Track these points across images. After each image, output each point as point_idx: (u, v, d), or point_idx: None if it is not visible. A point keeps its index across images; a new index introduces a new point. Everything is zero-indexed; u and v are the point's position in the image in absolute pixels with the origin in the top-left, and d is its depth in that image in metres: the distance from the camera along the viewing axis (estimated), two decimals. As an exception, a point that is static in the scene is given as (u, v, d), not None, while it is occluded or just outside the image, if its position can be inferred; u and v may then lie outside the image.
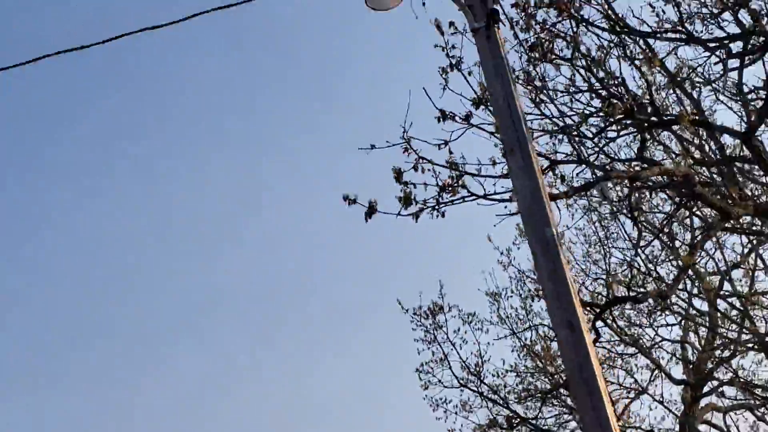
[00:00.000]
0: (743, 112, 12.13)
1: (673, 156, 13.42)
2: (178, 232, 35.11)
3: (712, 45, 10.81)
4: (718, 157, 12.26)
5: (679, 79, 11.77)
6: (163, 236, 34.83)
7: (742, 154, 11.95)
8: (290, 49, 34.42)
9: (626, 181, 10.83)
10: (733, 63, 10.98)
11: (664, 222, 14.12)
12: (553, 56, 10.50)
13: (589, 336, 6.94)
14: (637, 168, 11.22)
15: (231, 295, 34.13)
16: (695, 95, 12.58)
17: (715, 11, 10.48)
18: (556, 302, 6.99)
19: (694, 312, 17.84)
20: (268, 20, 34.92)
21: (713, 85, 12.70)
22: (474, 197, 10.87)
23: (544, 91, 10.87)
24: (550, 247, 7.13)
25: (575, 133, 10.77)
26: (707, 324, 17.71)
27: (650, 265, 16.12)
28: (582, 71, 10.73)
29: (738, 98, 11.96)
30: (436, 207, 10.96)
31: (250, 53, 34.50)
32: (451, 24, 10.35)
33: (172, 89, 35.36)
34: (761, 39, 10.23)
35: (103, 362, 32.36)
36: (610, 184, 11.89)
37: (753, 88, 11.40)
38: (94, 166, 35.36)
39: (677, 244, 16.52)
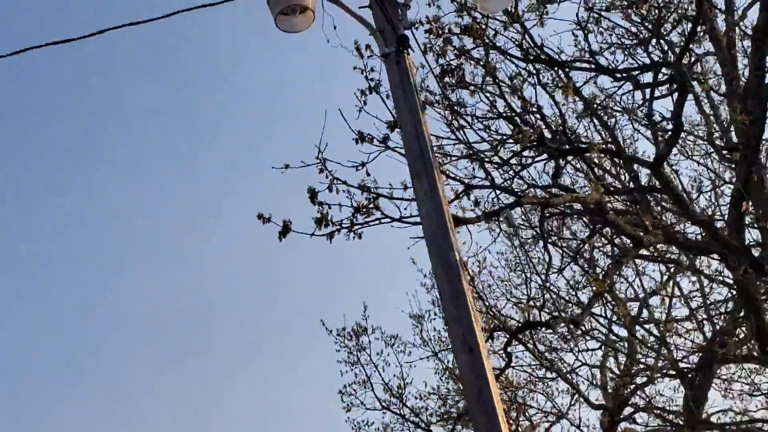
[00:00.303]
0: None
1: (586, 184, 13.67)
2: (74, 255, 34.31)
3: (619, 76, 11.08)
4: (631, 185, 12.52)
5: (595, 107, 12.02)
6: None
7: (652, 183, 12.22)
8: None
9: (538, 207, 11.00)
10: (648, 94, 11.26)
11: (580, 248, 14.35)
12: (466, 83, 10.66)
13: (488, 361, 7.04)
14: (549, 194, 11.41)
15: (140, 319, 33.42)
16: (611, 124, 12.88)
17: (627, 44, 10.76)
18: (458, 326, 7.09)
19: (614, 338, 18.15)
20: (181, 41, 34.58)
21: (631, 114, 13.02)
22: (389, 220, 10.98)
23: (461, 117, 11.03)
24: (453, 272, 7.24)
25: (487, 159, 10.92)
26: (626, 350, 18.04)
27: (570, 291, 16.42)
28: (496, 98, 10.92)
29: (648, 128, 12.26)
30: (351, 228, 11.03)
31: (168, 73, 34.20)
32: (368, 47, 10.46)
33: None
34: (670, 71, 10.54)
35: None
36: (514, 212, 12.12)
37: (662, 118, 11.72)
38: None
39: (598, 270, 16.83)
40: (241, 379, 31.83)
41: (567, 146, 10.84)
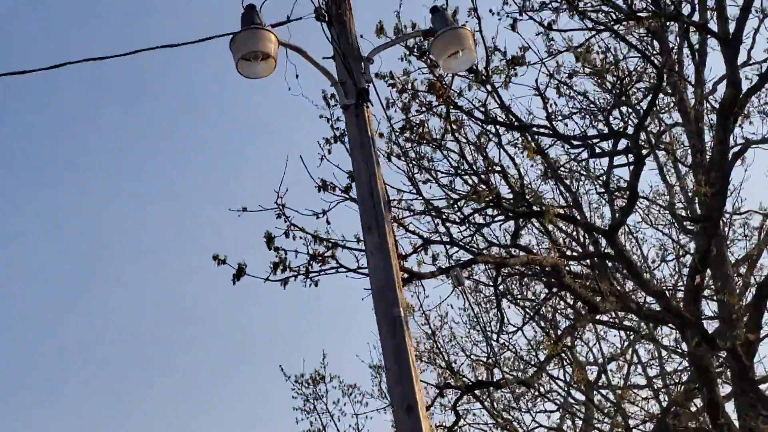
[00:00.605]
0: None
1: (542, 247, 13.78)
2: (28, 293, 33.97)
3: (576, 143, 11.22)
4: (591, 250, 12.63)
5: (557, 170, 12.15)
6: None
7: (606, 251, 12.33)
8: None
9: (494, 266, 11.07)
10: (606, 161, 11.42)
11: (537, 308, 14.41)
12: (427, 139, 10.76)
13: (426, 419, 7.04)
14: (507, 254, 11.49)
15: (89, 357, 32.95)
16: (574, 188, 13.02)
17: (586, 111, 10.92)
18: (398, 383, 7.09)
19: (571, 401, 18.17)
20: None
21: (595, 180, 13.18)
22: (344, 270, 11.00)
23: (425, 170, 11.11)
24: (397, 328, 7.26)
25: (445, 216, 10.99)
26: (582, 414, 18.04)
27: (531, 351, 16.44)
28: (457, 155, 11.03)
29: (604, 195, 12.40)
30: (308, 276, 11.02)
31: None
32: (332, 96, 10.54)
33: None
34: (626, 142, 10.70)
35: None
36: (476, 268, 12.18)
37: (617, 187, 11.86)
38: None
39: (559, 332, 16.88)
40: (201, 420, 31.45)
41: (524, 209, 10.92)
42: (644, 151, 12.05)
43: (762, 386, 13.31)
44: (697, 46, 14.14)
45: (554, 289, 12.44)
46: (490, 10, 11.89)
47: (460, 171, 11.27)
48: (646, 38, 13.99)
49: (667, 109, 15.44)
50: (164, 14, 34.06)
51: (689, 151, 14.65)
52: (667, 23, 12.99)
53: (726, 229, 15.35)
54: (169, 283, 33.94)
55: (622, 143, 11.89)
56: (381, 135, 11.25)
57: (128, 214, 34.63)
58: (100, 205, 34.28)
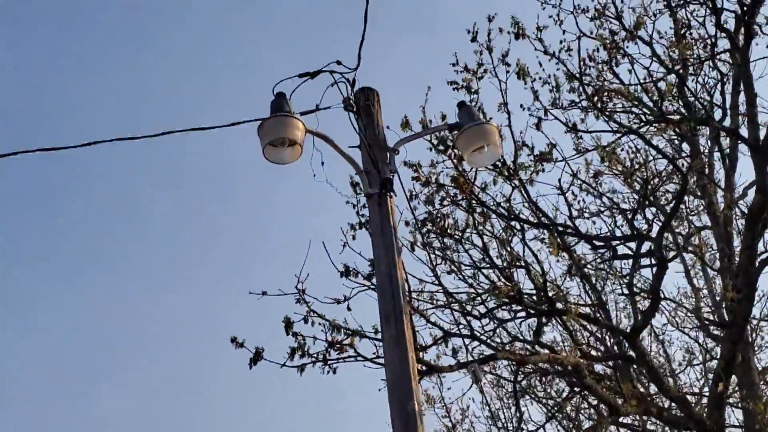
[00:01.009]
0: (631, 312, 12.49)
1: (565, 345, 13.65)
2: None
3: (598, 244, 11.21)
4: (613, 351, 12.50)
5: (583, 268, 12.11)
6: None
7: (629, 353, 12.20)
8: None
9: (515, 362, 10.97)
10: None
11: (560, 407, 14.22)
12: (449, 233, 10.80)
13: None
14: (526, 351, 11.38)
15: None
16: (600, 286, 12.96)
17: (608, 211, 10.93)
18: (409, 479, 7.01)
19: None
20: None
21: (621, 281, 13.12)
22: (362, 359, 10.95)
23: (449, 262, 11.14)
24: (411, 422, 7.18)
25: (466, 311, 10.96)
26: None
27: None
28: (480, 250, 11.05)
29: (627, 297, 12.31)
30: (325, 362, 10.98)
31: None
32: (356, 185, 10.64)
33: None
34: (650, 245, 10.67)
35: None
36: (498, 364, 12.06)
37: (640, 289, 11.77)
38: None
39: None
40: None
41: (545, 306, 10.86)
42: (670, 254, 11.99)
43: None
44: (727, 151, 14.18)
45: (576, 389, 12.28)
46: (521, 105, 12.08)
47: (482, 265, 11.27)
48: (676, 140, 14.07)
49: (696, 211, 15.43)
50: (194, 92, 34.58)
51: (717, 255, 14.57)
52: (697, 127, 13.06)
53: (753, 335, 15.15)
54: (190, 368, 33.83)
55: (647, 245, 11.87)
56: (407, 223, 11.34)
57: (148, 297, 34.84)
58: (120, 289, 34.51)
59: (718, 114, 13.37)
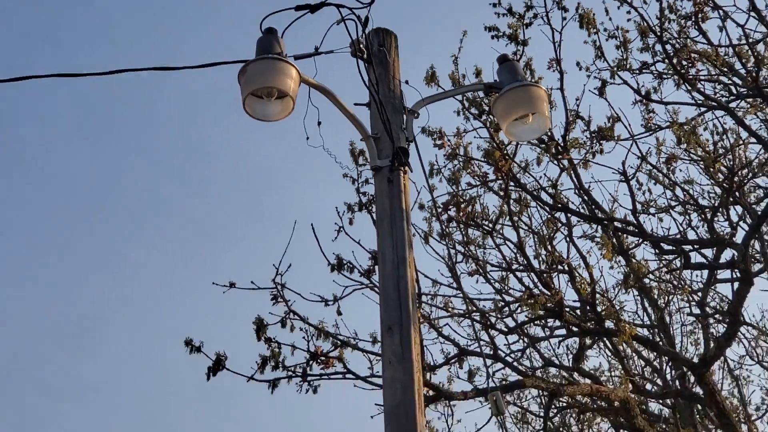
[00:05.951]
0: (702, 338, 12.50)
1: (613, 375, 13.67)
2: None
3: (667, 247, 11.15)
4: (674, 386, 12.51)
5: (643, 278, 12.10)
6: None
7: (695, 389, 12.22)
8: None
9: (545, 394, 11.00)
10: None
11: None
12: (477, 223, 10.78)
13: None
14: (562, 379, 11.38)
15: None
16: (662, 303, 12.96)
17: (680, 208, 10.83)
18: None
19: None
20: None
21: (689, 296, 13.09)
22: (353, 377, 10.94)
23: (467, 260, 11.13)
24: (413, 459, 7.20)
25: (489, 323, 10.97)
26: None
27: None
28: (511, 245, 11.05)
29: (697, 319, 12.31)
30: (305, 379, 10.94)
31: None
32: (361, 153, 10.59)
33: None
34: (732, 254, 10.60)
35: None
36: (507, 396, 12.04)
37: (714, 310, 11.72)
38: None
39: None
40: None
41: (591, 324, 10.86)
42: (756, 267, 11.95)
43: None
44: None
45: (623, 431, 12.31)
46: (578, 63, 11.95)
47: (515, 266, 11.26)
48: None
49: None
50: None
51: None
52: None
53: None
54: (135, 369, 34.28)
55: (728, 253, 11.84)
56: (421, 207, 11.29)
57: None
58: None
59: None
